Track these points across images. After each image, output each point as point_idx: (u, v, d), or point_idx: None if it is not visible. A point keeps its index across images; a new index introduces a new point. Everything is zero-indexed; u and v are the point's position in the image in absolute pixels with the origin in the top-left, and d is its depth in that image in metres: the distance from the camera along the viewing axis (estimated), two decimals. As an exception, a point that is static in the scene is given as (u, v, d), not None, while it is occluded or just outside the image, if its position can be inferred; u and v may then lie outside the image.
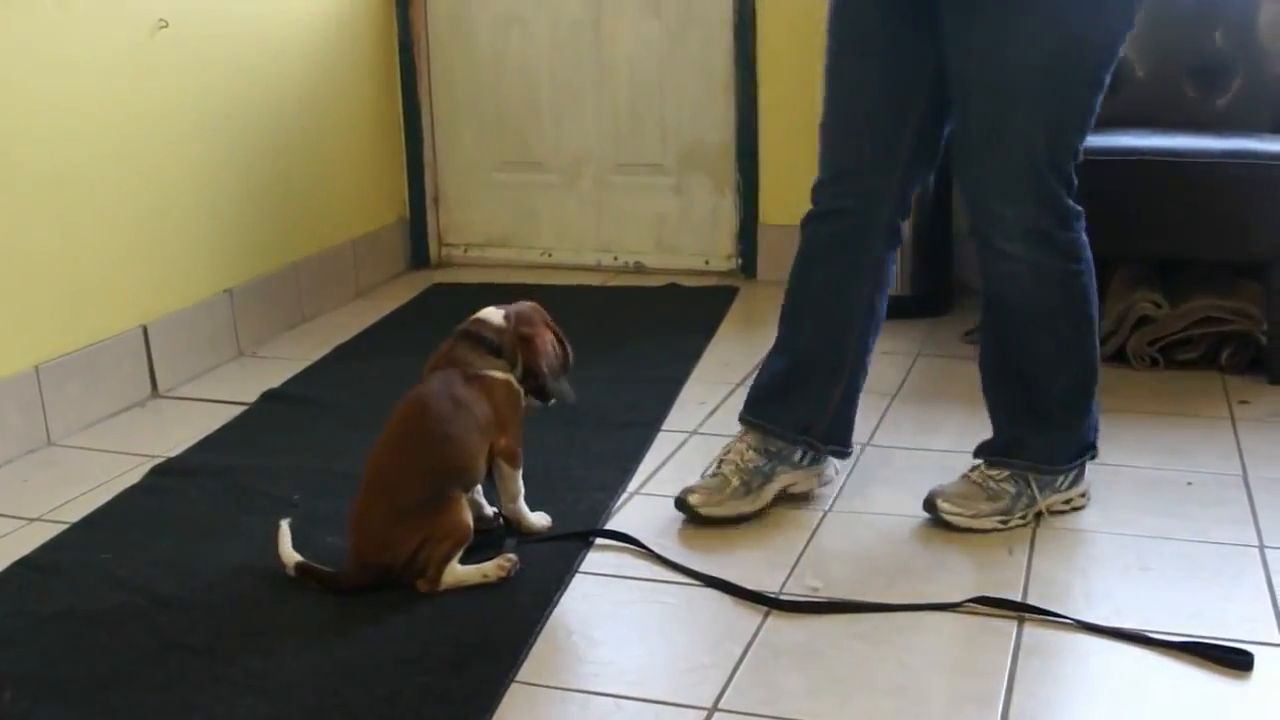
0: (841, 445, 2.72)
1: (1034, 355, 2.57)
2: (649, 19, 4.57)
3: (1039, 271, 2.47)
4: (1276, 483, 2.75)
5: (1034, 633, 2.16)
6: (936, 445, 2.99)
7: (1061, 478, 2.60)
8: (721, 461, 2.66)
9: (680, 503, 2.60)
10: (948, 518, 2.54)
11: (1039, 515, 2.57)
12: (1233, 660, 2.04)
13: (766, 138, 4.50)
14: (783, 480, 2.66)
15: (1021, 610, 2.22)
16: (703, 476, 2.67)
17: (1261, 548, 2.45)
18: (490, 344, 2.42)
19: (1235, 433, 3.03)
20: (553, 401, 2.49)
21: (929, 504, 2.57)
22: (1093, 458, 2.65)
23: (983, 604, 2.24)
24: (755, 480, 2.62)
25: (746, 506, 2.61)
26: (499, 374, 2.41)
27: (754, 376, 2.78)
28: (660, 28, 4.57)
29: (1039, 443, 2.59)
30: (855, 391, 2.71)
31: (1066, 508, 2.62)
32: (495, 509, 2.54)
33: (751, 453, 2.64)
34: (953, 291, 4.21)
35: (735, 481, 2.61)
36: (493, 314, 2.46)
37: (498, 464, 2.44)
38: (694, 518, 2.58)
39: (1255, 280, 3.54)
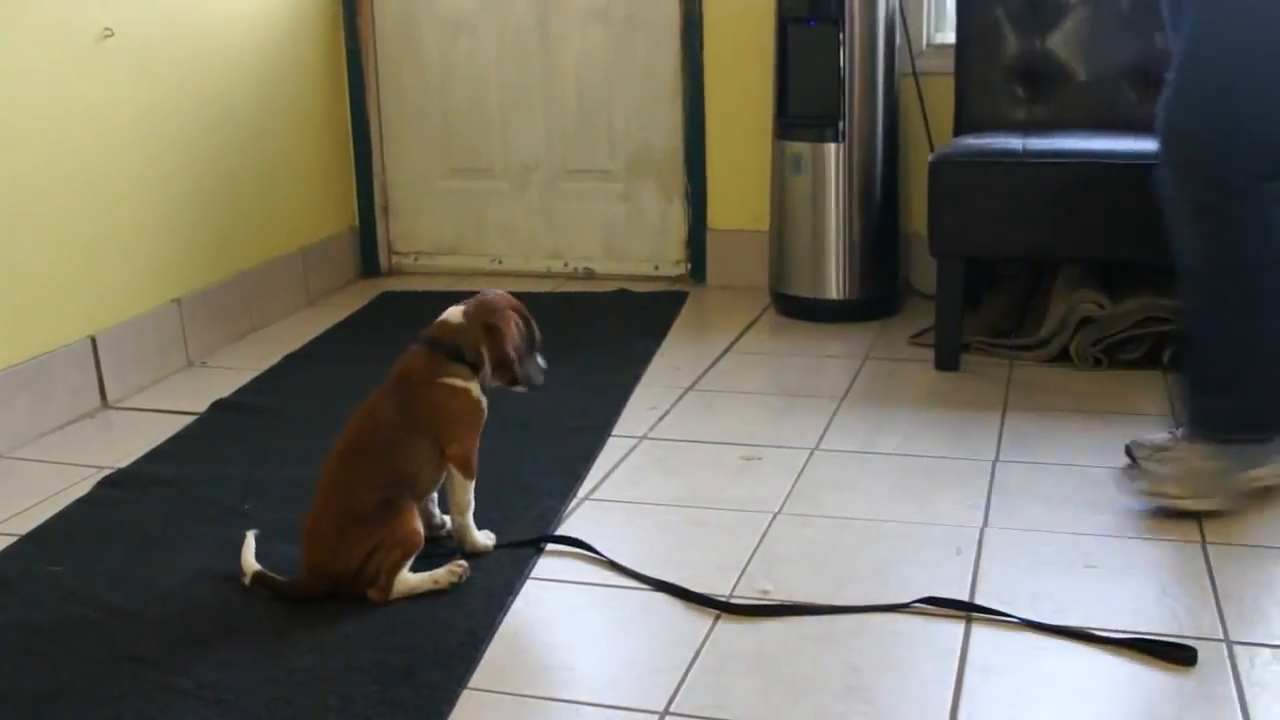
0: None
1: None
2: (596, 25, 4.58)
3: None
4: (1218, 480, 2.80)
5: (981, 632, 2.19)
6: (885, 448, 3.02)
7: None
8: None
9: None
10: (1168, 503, 2.61)
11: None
12: (1176, 656, 2.07)
13: (714, 143, 4.52)
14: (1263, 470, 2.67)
15: (969, 610, 2.25)
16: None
17: (1203, 544, 2.49)
18: (449, 349, 2.41)
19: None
20: (521, 388, 2.47)
21: (1149, 494, 2.63)
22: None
23: (931, 604, 2.26)
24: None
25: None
26: (457, 382, 2.41)
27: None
28: (607, 34, 4.58)
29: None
30: None
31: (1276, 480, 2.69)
32: (447, 517, 2.54)
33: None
34: (901, 294, 4.25)
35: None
36: (452, 314, 2.44)
37: (450, 472, 2.44)
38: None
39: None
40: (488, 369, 2.43)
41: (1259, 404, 2.64)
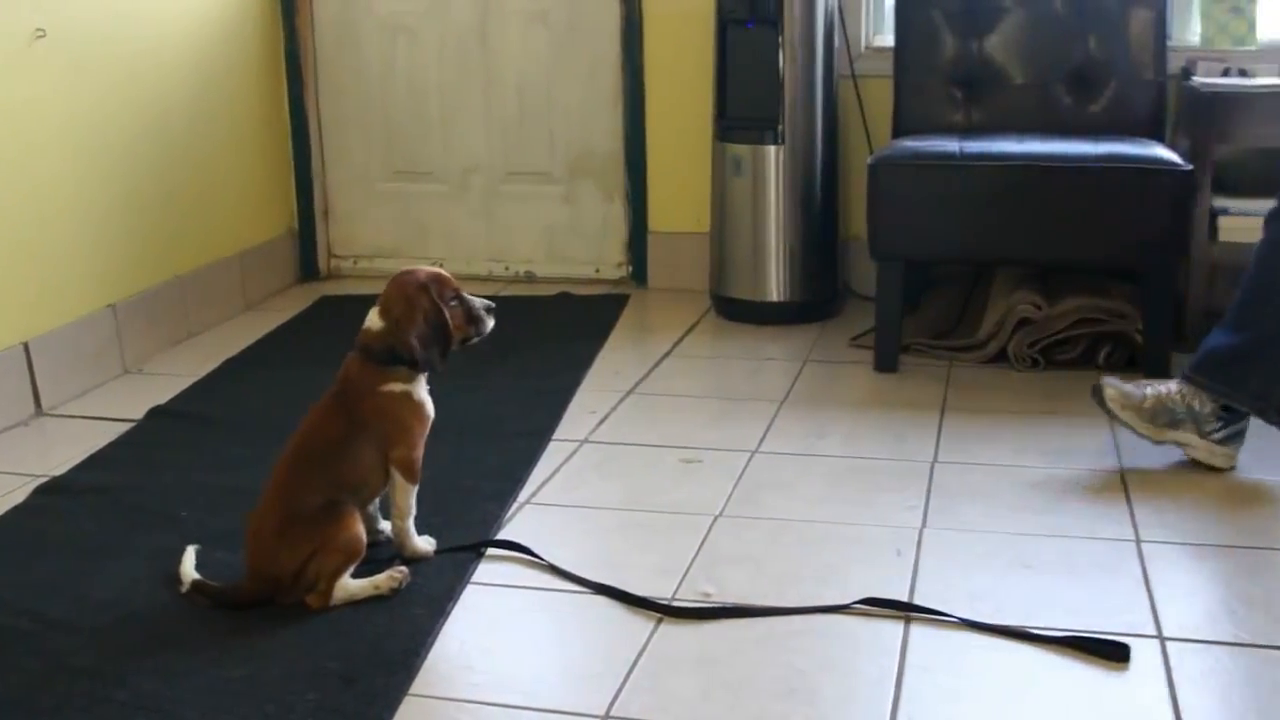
0: None
1: None
2: (536, 28, 4.58)
3: None
4: (1152, 478, 2.83)
5: (921, 632, 2.20)
6: (825, 450, 3.03)
7: None
8: (1150, 384, 2.92)
9: (1097, 389, 2.92)
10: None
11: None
12: (1110, 653, 2.10)
13: (654, 146, 4.53)
14: (1183, 435, 2.87)
15: (908, 610, 2.26)
16: (1134, 383, 2.93)
17: (1138, 542, 2.52)
18: (382, 354, 2.40)
19: (1113, 430, 3.10)
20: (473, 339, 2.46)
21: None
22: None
23: (871, 605, 2.28)
24: (1161, 417, 2.86)
25: (1141, 427, 2.88)
26: (396, 387, 2.40)
27: (1203, 343, 2.92)
28: (548, 37, 4.58)
29: None
30: None
31: None
32: (387, 523, 2.53)
33: (1179, 398, 2.86)
34: (840, 296, 4.27)
35: (1149, 404, 2.86)
36: (371, 318, 2.41)
37: (392, 475, 2.43)
38: (1099, 402, 2.91)
39: (1130, 280, 3.63)
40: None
41: (1262, 372, 2.81)
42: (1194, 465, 2.87)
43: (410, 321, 2.37)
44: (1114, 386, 2.92)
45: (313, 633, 2.21)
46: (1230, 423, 2.85)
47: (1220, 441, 2.85)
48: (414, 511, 2.47)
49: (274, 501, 2.31)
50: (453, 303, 2.43)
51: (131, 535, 2.63)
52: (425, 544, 2.50)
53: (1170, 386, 2.89)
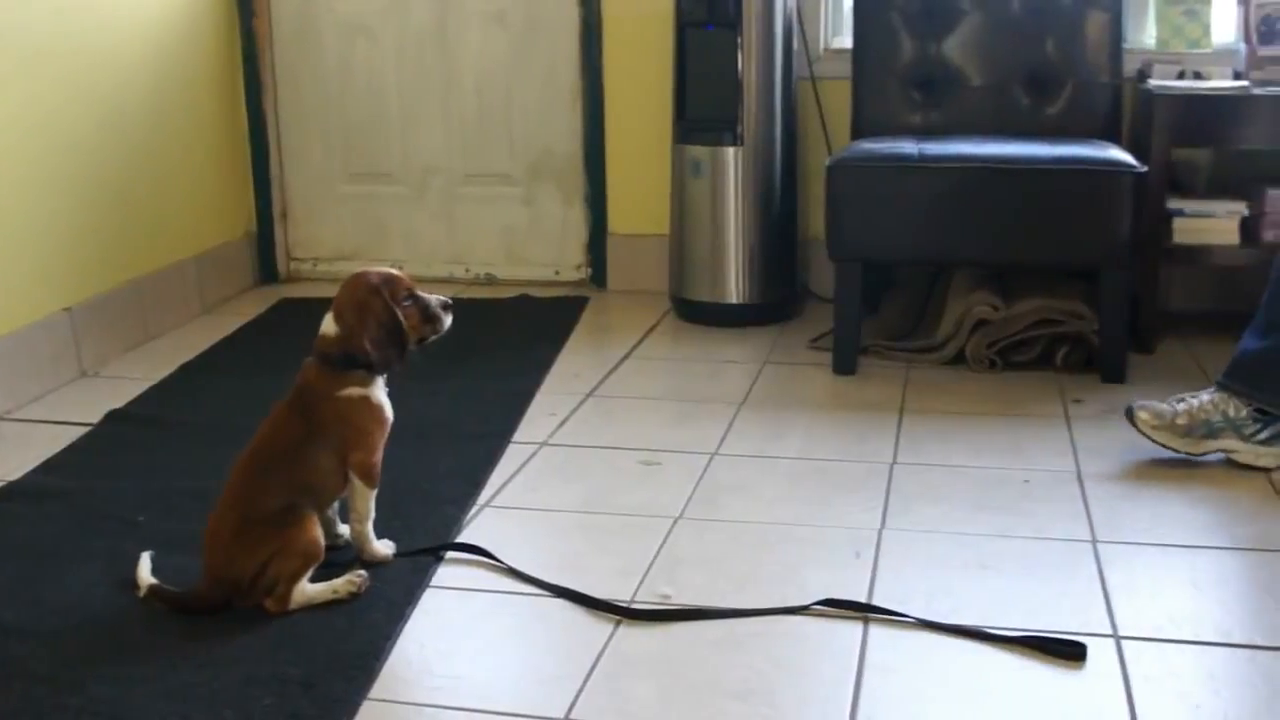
0: None
1: None
2: (495, 29, 4.57)
3: None
4: (1108, 478, 2.85)
5: (879, 632, 2.21)
6: (784, 452, 3.04)
7: None
8: (1184, 399, 2.90)
9: (1129, 412, 2.91)
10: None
11: None
12: (1066, 652, 2.12)
13: (614, 147, 4.53)
14: (1225, 443, 2.87)
15: (866, 611, 2.27)
16: (1167, 400, 2.92)
17: (1094, 542, 2.54)
18: (335, 359, 2.39)
19: (1070, 430, 3.12)
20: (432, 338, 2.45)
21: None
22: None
23: (830, 606, 2.28)
24: (1198, 430, 2.86)
25: (1179, 445, 2.88)
26: (355, 391, 2.39)
27: (1235, 350, 2.93)
28: (507, 38, 4.57)
29: None
30: None
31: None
32: (346, 527, 2.53)
33: (1211, 407, 2.87)
34: (799, 298, 4.28)
35: (1183, 421, 2.86)
36: (327, 324, 2.40)
37: (351, 479, 2.42)
38: (1132, 424, 2.90)
39: (1087, 281, 3.66)
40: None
41: None
42: (1152, 464, 2.90)
43: (363, 325, 2.37)
44: (1146, 409, 2.92)
45: (271, 637, 2.20)
46: (1269, 423, 2.86)
47: (1264, 442, 2.86)
48: (373, 515, 2.46)
49: (231, 504, 2.30)
50: (406, 303, 2.42)
51: (88, 540, 2.61)
52: (385, 547, 2.49)
53: (1203, 397, 2.90)
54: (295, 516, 2.29)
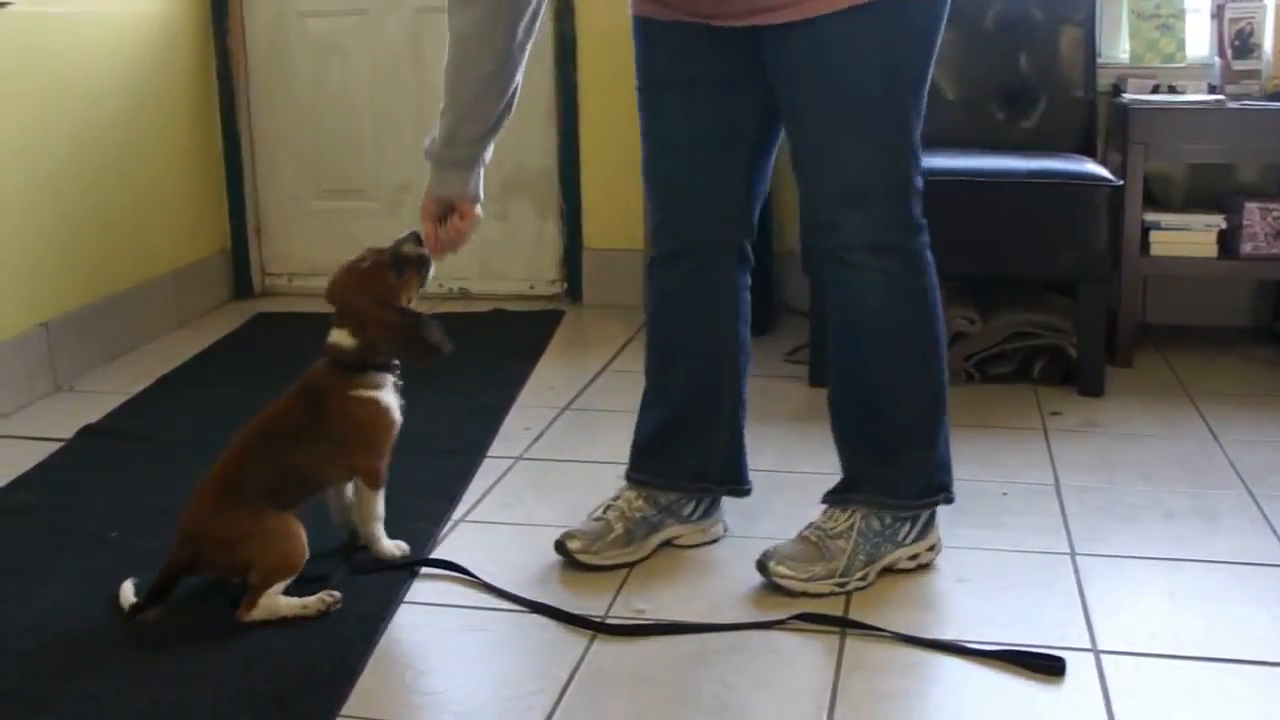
0: (738, 484, 2.64)
1: (883, 380, 2.40)
2: (470, 45, 4.55)
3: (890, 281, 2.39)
4: (1086, 490, 2.85)
5: (856, 646, 2.20)
6: (760, 465, 3.01)
7: (907, 527, 2.43)
8: (608, 507, 2.56)
9: (559, 546, 2.50)
10: (781, 581, 2.36)
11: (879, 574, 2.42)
12: (1045, 666, 2.10)
13: (589, 162, 4.52)
14: (669, 532, 2.58)
15: (843, 625, 2.26)
16: (588, 517, 2.57)
17: (1072, 554, 2.53)
18: (349, 362, 2.41)
19: (1048, 443, 3.12)
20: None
21: (761, 566, 2.39)
22: (947, 502, 2.47)
23: (805, 620, 2.27)
24: (640, 530, 2.53)
25: (628, 556, 2.51)
26: (365, 393, 2.41)
27: (633, 433, 2.64)
28: (482, 54, 4.55)
29: (882, 473, 2.43)
30: (739, 427, 2.61)
31: (912, 564, 2.45)
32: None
33: (640, 502, 2.56)
34: (774, 311, 4.28)
35: (619, 529, 2.51)
36: (340, 338, 2.42)
37: (357, 483, 2.46)
38: (572, 563, 2.49)
39: (1065, 294, 3.66)
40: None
41: (944, 461, 2.48)
42: (1131, 478, 2.90)
43: (386, 338, 2.41)
44: (576, 536, 2.51)
45: (244, 654, 2.18)
46: (699, 498, 2.61)
47: (702, 517, 2.62)
48: (382, 514, 2.49)
49: (220, 469, 2.33)
50: (395, 285, 2.47)
51: (60, 556, 2.58)
52: (395, 548, 2.52)
53: (616, 500, 2.59)
54: (282, 517, 2.31)
